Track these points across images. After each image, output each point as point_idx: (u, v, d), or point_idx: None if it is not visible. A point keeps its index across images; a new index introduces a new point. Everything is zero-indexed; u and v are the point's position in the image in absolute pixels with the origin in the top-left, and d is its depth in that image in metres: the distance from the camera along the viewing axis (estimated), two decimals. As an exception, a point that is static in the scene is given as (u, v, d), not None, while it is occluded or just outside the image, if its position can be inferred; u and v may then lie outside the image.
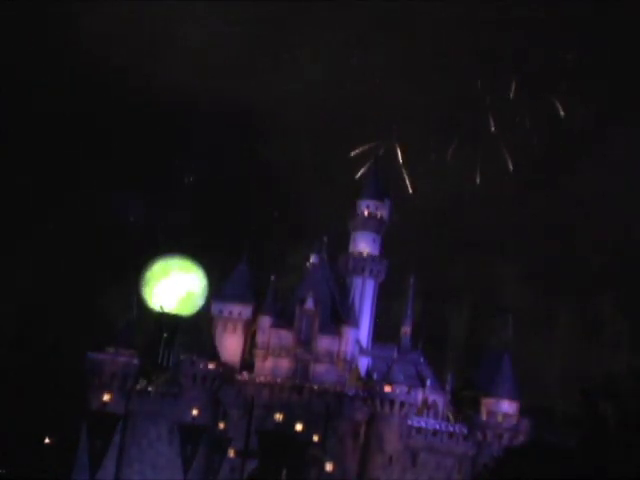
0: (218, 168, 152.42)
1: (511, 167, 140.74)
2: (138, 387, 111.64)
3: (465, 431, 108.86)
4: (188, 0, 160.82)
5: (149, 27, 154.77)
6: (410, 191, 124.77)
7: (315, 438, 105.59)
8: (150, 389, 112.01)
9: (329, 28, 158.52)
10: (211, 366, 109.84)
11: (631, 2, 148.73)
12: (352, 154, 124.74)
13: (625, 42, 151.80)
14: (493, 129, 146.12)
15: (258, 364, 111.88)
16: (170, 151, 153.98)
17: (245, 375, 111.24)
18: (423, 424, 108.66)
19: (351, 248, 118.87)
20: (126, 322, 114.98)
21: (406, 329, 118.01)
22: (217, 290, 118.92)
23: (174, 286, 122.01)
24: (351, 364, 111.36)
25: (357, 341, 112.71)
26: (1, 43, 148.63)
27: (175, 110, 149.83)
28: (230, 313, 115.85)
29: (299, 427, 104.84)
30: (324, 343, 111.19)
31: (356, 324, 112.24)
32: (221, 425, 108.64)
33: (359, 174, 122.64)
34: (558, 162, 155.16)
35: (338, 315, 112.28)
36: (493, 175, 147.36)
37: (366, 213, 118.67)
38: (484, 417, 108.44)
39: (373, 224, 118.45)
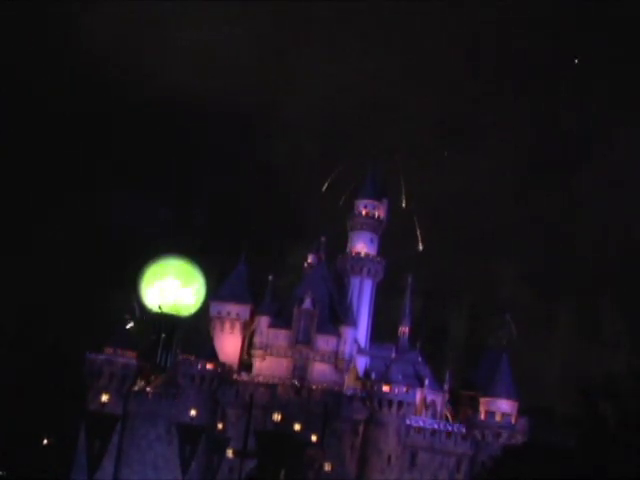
0: (218, 168, 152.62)
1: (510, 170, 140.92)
2: (136, 388, 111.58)
3: (463, 430, 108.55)
4: (189, 0, 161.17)
5: (148, 27, 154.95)
6: (420, 247, 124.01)
7: (314, 438, 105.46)
8: (148, 389, 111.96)
9: (329, 29, 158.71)
10: (209, 366, 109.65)
11: (631, 2, 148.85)
12: (323, 189, 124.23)
13: (625, 43, 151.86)
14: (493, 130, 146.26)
15: (256, 364, 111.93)
16: (170, 151, 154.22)
17: (243, 375, 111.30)
18: (421, 424, 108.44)
19: (349, 248, 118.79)
20: (125, 323, 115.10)
21: (404, 329, 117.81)
22: (215, 290, 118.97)
23: (173, 287, 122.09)
24: (349, 364, 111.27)
25: (355, 341, 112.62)
26: (1, 43, 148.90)
27: (175, 110, 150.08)
28: (228, 313, 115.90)
29: (297, 427, 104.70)
30: (322, 343, 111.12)
31: (354, 324, 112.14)
32: (220, 425, 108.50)
33: (342, 200, 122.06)
34: (558, 162, 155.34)
35: (336, 315, 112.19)
36: (493, 175, 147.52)
37: (364, 213, 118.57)
38: (482, 416, 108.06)
39: (371, 224, 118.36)
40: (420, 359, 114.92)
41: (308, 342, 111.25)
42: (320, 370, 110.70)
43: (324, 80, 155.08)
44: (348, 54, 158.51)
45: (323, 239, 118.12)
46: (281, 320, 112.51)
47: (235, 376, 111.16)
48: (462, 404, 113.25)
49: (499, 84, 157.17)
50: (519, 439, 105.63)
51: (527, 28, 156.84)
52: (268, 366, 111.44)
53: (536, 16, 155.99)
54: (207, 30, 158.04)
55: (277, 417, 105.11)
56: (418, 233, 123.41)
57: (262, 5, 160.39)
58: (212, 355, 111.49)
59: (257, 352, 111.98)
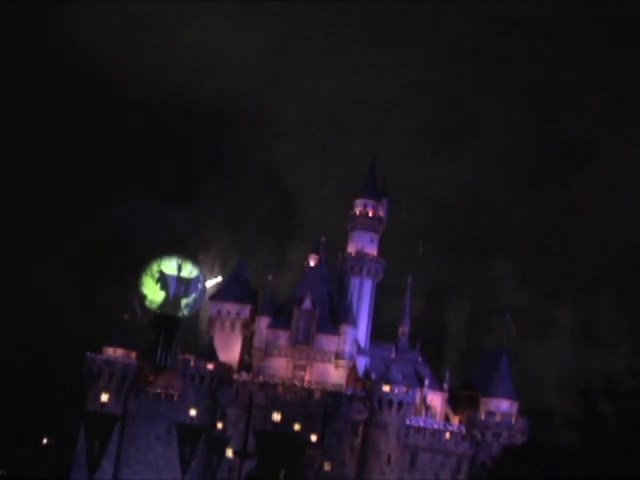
0: (219, 168, 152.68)
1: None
2: (136, 388, 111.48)
3: (463, 431, 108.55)
4: (189, 0, 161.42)
5: (148, 27, 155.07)
6: (420, 250, 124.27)
7: (313, 438, 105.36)
8: (148, 390, 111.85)
9: (329, 29, 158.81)
10: (209, 366, 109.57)
11: (631, 2, 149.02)
12: (322, 195, 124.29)
13: (625, 43, 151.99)
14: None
15: (256, 364, 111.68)
16: (170, 151, 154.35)
17: (243, 375, 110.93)
18: (421, 424, 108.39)
19: (349, 248, 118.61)
20: (125, 323, 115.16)
21: (404, 329, 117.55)
22: (215, 290, 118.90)
23: (172, 286, 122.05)
24: (349, 364, 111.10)
25: (355, 341, 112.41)
26: (1, 43, 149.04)
27: (175, 110, 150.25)
28: (228, 313, 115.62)
29: (297, 427, 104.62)
30: (322, 343, 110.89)
31: (354, 324, 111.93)
32: (219, 425, 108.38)
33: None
34: (558, 163, 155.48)
35: (336, 315, 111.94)
36: (493, 175, 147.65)
37: (363, 213, 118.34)
38: (482, 417, 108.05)
39: (371, 224, 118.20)
40: (420, 359, 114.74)
41: (308, 342, 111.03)
42: (320, 370, 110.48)
43: (324, 80, 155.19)
44: (348, 54, 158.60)
45: (323, 239, 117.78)
46: (281, 320, 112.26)
47: (235, 376, 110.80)
48: (462, 404, 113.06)
49: (499, 84, 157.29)
50: (519, 439, 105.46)
51: (527, 28, 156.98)
52: (268, 366, 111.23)
53: (536, 16, 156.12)
54: (208, 30, 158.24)
55: (277, 417, 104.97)
56: (420, 244, 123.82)
57: (263, 5, 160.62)
58: (212, 355, 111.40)
59: (257, 352, 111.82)
